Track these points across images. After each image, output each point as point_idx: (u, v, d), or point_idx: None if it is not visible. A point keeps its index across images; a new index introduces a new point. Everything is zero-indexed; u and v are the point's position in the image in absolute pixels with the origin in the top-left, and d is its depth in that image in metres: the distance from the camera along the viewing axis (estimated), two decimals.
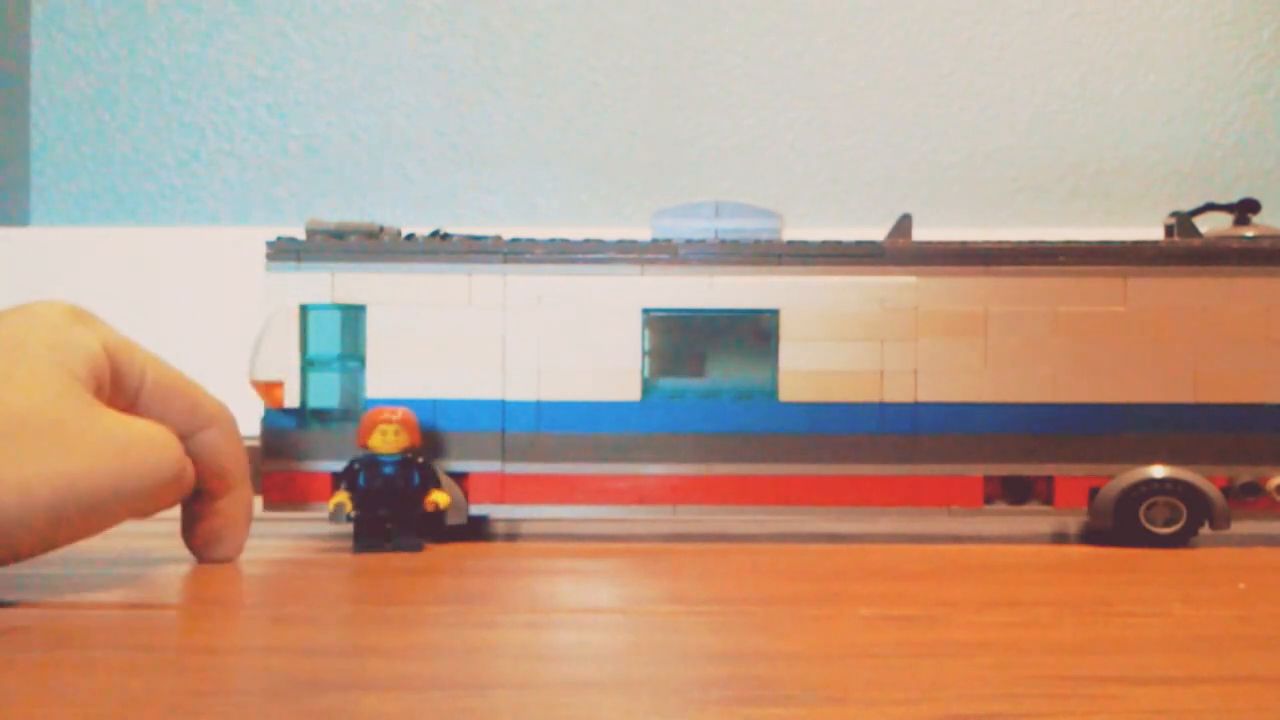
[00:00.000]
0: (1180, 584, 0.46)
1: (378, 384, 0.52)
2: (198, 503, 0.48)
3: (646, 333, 0.53)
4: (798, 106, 1.04)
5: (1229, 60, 1.03)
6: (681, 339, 0.53)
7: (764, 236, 0.53)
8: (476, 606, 0.42)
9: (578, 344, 0.52)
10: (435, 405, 0.52)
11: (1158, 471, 0.52)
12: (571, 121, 1.04)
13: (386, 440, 0.50)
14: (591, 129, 1.04)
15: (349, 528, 0.51)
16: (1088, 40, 1.03)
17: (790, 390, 0.52)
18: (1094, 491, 0.52)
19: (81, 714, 0.29)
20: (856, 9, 1.04)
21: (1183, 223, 0.54)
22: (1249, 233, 0.54)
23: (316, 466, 0.52)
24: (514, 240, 0.52)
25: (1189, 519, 0.52)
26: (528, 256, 0.52)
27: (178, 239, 0.99)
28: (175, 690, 0.32)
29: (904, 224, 0.53)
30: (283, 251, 0.52)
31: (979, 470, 0.52)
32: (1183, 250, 0.52)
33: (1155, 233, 0.55)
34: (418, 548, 0.50)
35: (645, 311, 0.52)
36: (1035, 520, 0.54)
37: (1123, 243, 0.52)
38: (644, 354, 0.52)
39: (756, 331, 0.53)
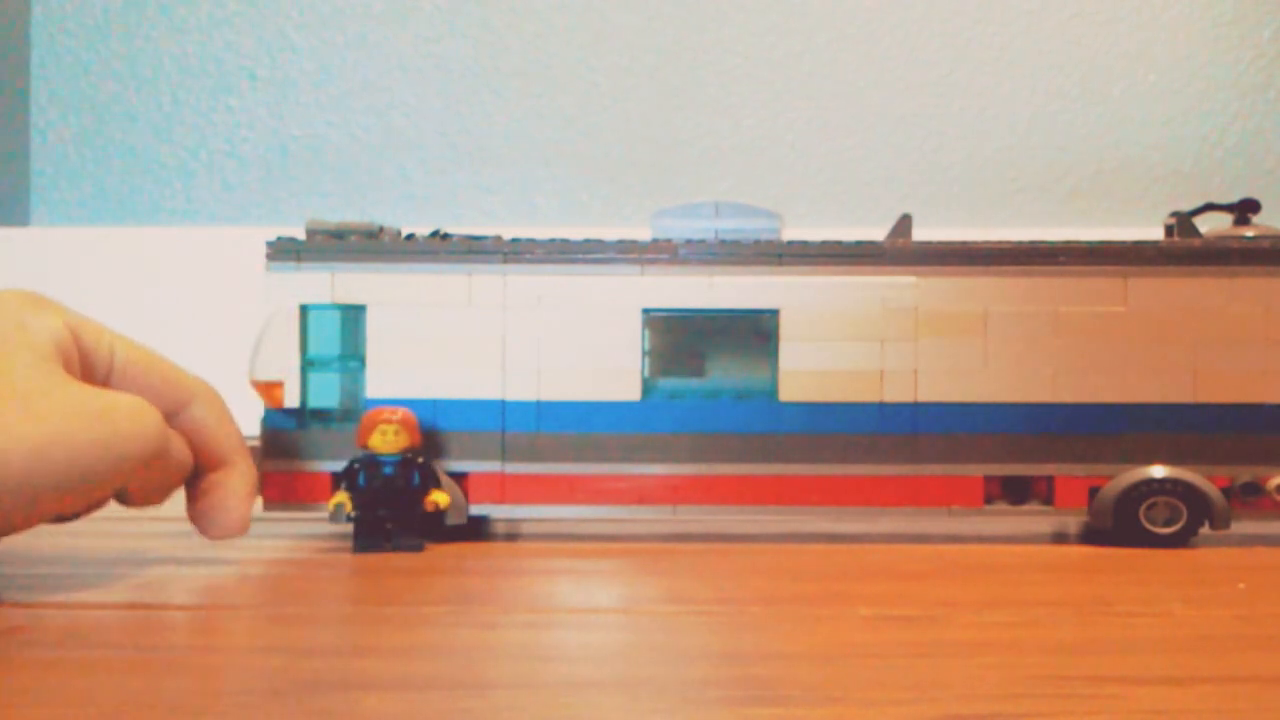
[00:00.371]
0: (1180, 584, 0.46)
1: (378, 384, 0.52)
2: (196, 481, 0.48)
3: (646, 333, 0.53)
4: (798, 106, 1.04)
5: (1229, 60, 1.04)
6: (681, 339, 0.53)
7: (764, 236, 0.53)
8: (476, 606, 0.42)
9: (578, 344, 0.52)
10: (435, 405, 0.52)
11: (1158, 471, 0.52)
12: (571, 121, 1.04)
13: (386, 440, 0.50)
14: (591, 129, 1.04)
15: (349, 528, 0.51)
16: (1088, 40, 1.03)
17: (790, 390, 0.52)
18: (1094, 491, 0.52)
19: (81, 714, 0.29)
20: (856, 9, 1.04)
21: (1183, 223, 0.54)
22: (1249, 233, 0.54)
23: (316, 466, 0.52)
24: (514, 240, 0.52)
25: (1189, 519, 0.52)
26: (528, 256, 0.52)
27: (178, 239, 0.99)
28: (175, 690, 0.32)
29: (904, 224, 0.53)
30: (283, 251, 0.52)
31: (979, 470, 0.52)
32: (1183, 250, 0.52)
33: (1155, 233, 0.55)
34: (418, 548, 0.50)
35: (645, 311, 0.52)
36: (1035, 520, 0.54)
37: (1123, 243, 0.52)
38: (644, 354, 0.52)
39: (756, 331, 0.53)
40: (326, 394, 0.52)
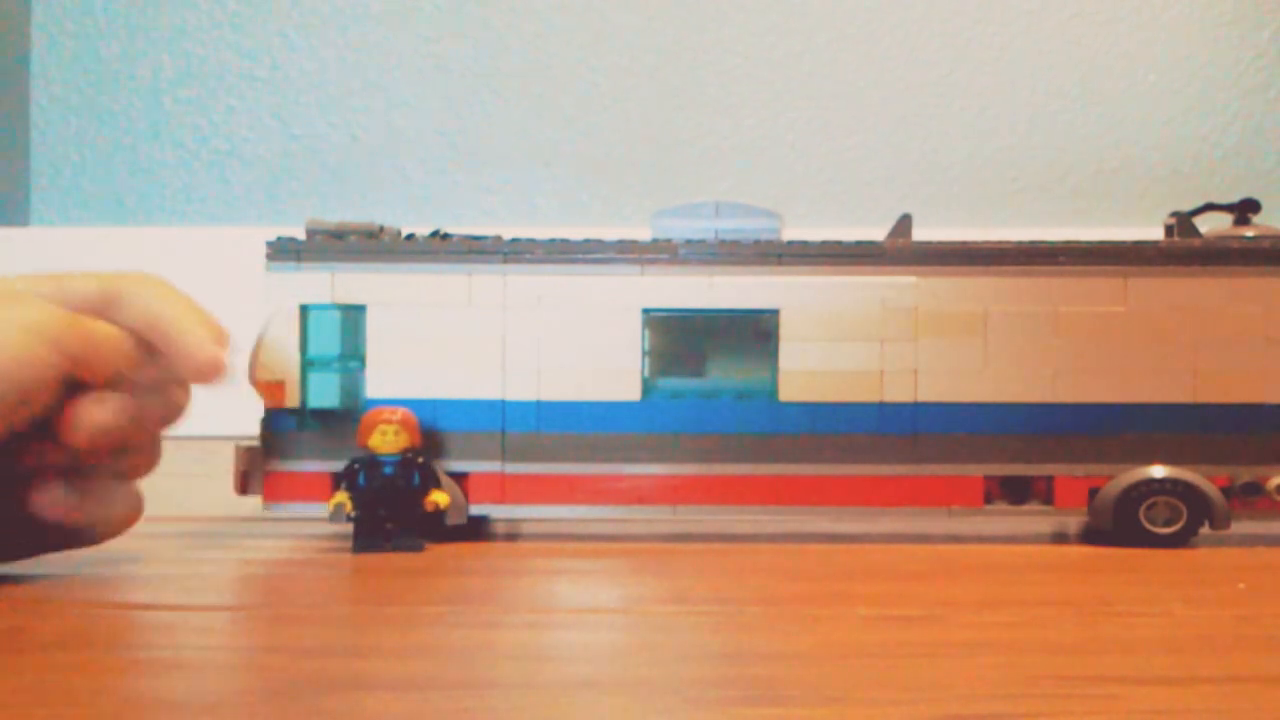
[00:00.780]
0: (1180, 584, 0.46)
1: (378, 384, 0.52)
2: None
3: (646, 333, 0.53)
4: (798, 106, 1.04)
5: (1229, 60, 1.04)
6: (681, 339, 0.53)
7: (764, 236, 0.53)
8: (476, 606, 0.42)
9: (578, 344, 0.52)
10: (435, 405, 0.52)
11: (1158, 471, 0.52)
12: (571, 121, 1.04)
13: (386, 440, 0.50)
14: (591, 129, 1.04)
15: (349, 528, 0.51)
16: (1088, 40, 1.03)
17: (790, 390, 0.52)
18: (1094, 491, 0.52)
19: (81, 714, 0.29)
20: (856, 9, 1.04)
21: (1183, 223, 0.54)
22: (1249, 233, 0.54)
23: (316, 466, 0.52)
24: (514, 240, 0.52)
25: (1189, 519, 0.52)
26: (528, 256, 0.52)
27: (178, 239, 0.99)
28: (175, 690, 0.32)
29: (904, 224, 0.53)
30: (283, 251, 0.52)
31: (979, 470, 0.52)
32: (1183, 250, 0.52)
33: (1155, 233, 0.55)
34: (418, 548, 0.50)
35: (645, 311, 0.52)
36: (1035, 520, 0.54)
37: (1123, 243, 0.52)
38: (644, 354, 0.52)
39: (756, 331, 0.53)
40: (326, 394, 0.52)
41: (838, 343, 0.52)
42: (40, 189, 1.05)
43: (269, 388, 0.52)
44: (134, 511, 0.46)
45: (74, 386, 0.43)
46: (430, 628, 0.39)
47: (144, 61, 1.04)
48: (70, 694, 0.31)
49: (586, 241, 0.52)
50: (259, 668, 0.35)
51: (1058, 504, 0.52)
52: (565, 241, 0.52)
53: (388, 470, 0.50)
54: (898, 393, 0.52)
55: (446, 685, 0.32)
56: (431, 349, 0.52)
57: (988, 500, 0.53)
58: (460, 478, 0.52)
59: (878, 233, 0.54)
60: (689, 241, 0.52)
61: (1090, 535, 0.54)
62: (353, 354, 0.52)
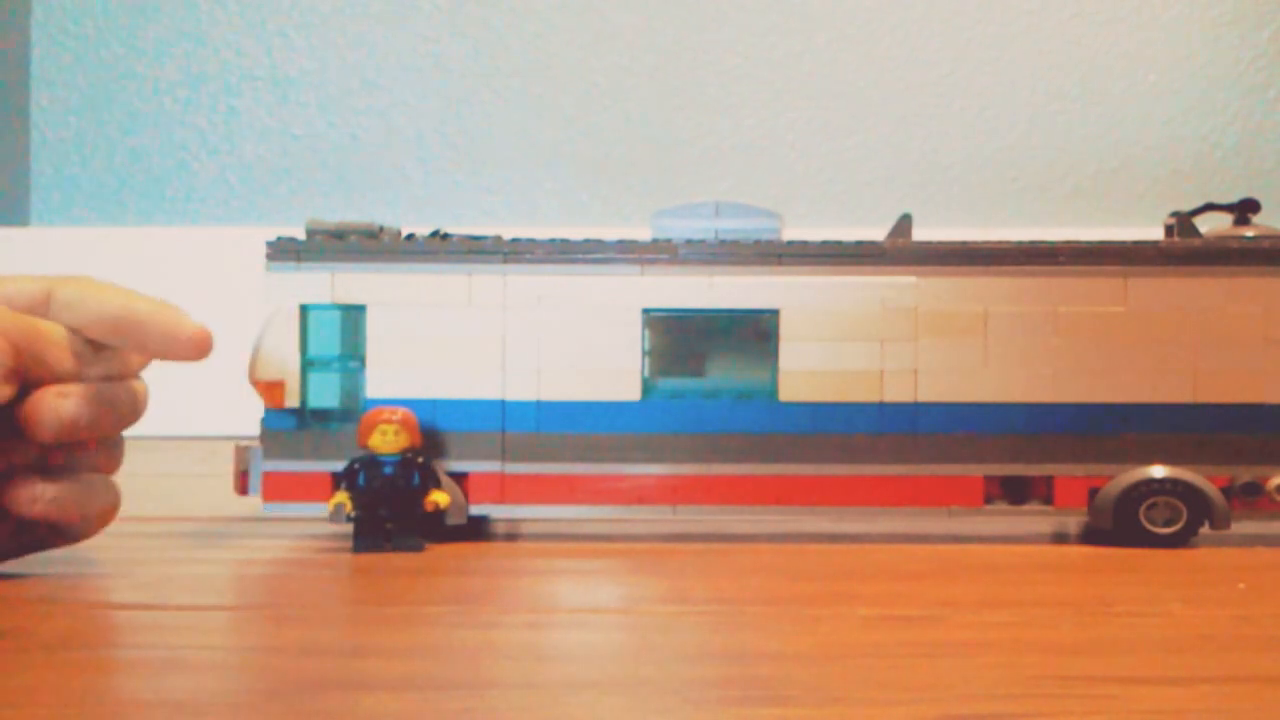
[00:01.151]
0: (1180, 584, 0.46)
1: (378, 384, 0.52)
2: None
3: (646, 333, 0.53)
4: (798, 106, 1.04)
5: (1229, 60, 1.04)
6: (681, 339, 0.53)
7: (764, 236, 0.53)
8: (476, 606, 0.42)
9: (578, 344, 0.52)
10: (435, 405, 0.52)
11: (1158, 471, 0.52)
12: (571, 121, 1.04)
13: (386, 440, 0.50)
14: (591, 129, 1.04)
15: (349, 528, 0.51)
16: (1088, 40, 1.03)
17: (790, 390, 0.52)
18: (1094, 491, 0.52)
19: (81, 714, 0.29)
20: (856, 9, 1.04)
21: (1183, 223, 0.54)
22: (1249, 233, 0.54)
23: (316, 466, 0.52)
24: (514, 240, 0.52)
25: (1189, 519, 0.52)
26: (528, 256, 0.52)
27: (178, 239, 0.99)
28: (175, 690, 0.32)
29: (904, 224, 0.53)
30: (283, 251, 0.52)
31: (979, 470, 0.52)
32: (1183, 250, 0.52)
33: (1155, 233, 0.55)
34: (418, 548, 0.50)
35: (645, 311, 0.52)
36: (1035, 520, 0.54)
37: (1123, 243, 0.52)
38: (644, 354, 0.52)
39: (756, 331, 0.53)
40: (326, 394, 0.52)
41: (838, 343, 0.52)
42: (40, 189, 1.05)
43: (269, 388, 0.52)
44: (112, 505, 0.46)
45: (31, 385, 0.44)
46: (430, 628, 0.39)
47: (144, 61, 1.04)
48: (70, 694, 0.31)
49: (586, 241, 0.52)
50: (259, 668, 0.35)
51: (1058, 504, 0.52)
52: (565, 241, 0.52)
53: (388, 470, 0.50)
54: (898, 393, 0.52)
55: (446, 685, 0.32)
56: (431, 349, 0.52)
57: (988, 500, 0.53)
58: (460, 478, 0.52)
59: (878, 233, 0.54)
60: (689, 241, 0.52)
61: (1090, 535, 0.54)
62: (353, 354, 0.52)
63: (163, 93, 1.05)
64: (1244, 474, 0.52)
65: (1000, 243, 0.53)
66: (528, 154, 1.04)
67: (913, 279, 0.52)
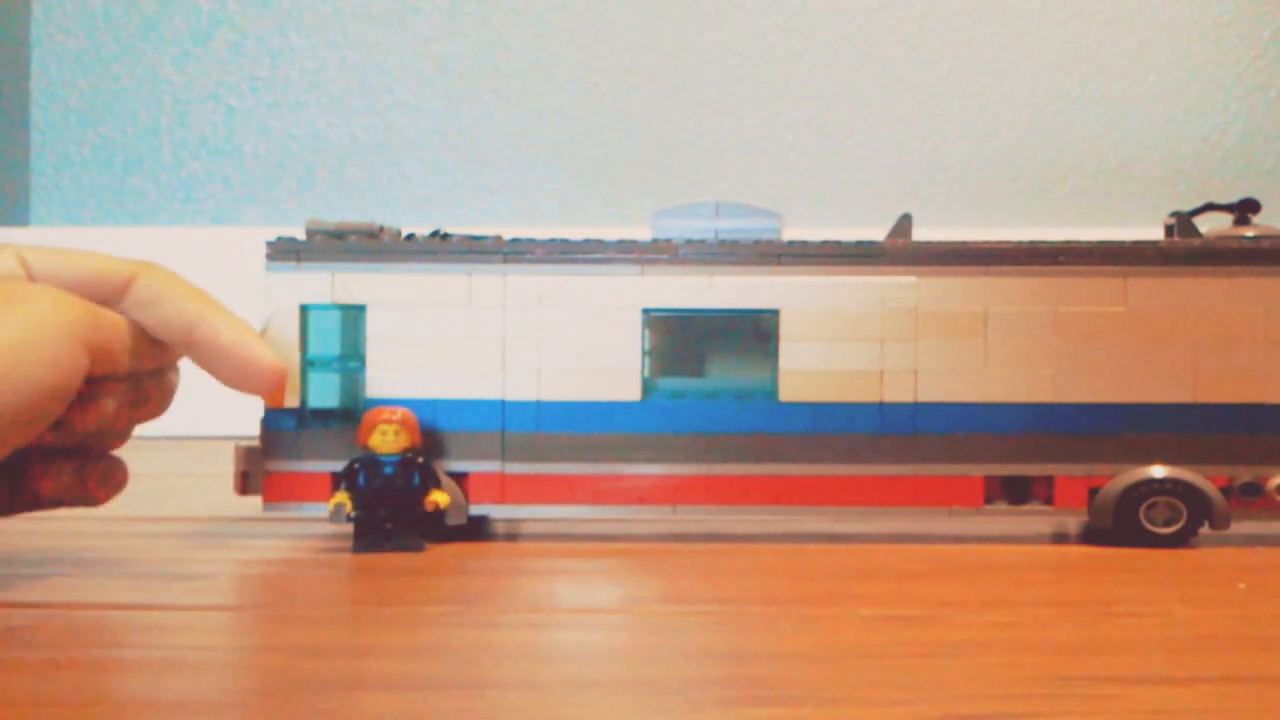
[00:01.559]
0: (1180, 584, 0.46)
1: (378, 384, 0.52)
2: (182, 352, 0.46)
3: (646, 333, 0.53)
4: (798, 106, 1.04)
5: (1229, 60, 1.03)
6: (681, 339, 0.53)
7: (764, 236, 0.53)
8: (476, 606, 0.42)
9: (578, 344, 0.52)
10: (435, 405, 0.52)
11: (1158, 471, 0.52)
12: (571, 121, 1.04)
13: (386, 440, 0.50)
14: (591, 129, 1.04)
15: (349, 528, 0.51)
16: (1088, 40, 1.03)
17: (790, 390, 0.52)
18: (1094, 491, 0.52)
19: (81, 714, 0.29)
20: (856, 9, 1.04)
21: (1183, 223, 0.54)
22: (1249, 233, 0.54)
23: (316, 466, 0.52)
24: (514, 240, 0.52)
25: (1189, 519, 0.52)
26: (528, 256, 0.52)
27: (178, 239, 0.99)
28: (175, 690, 0.32)
29: (904, 224, 0.53)
30: (283, 251, 0.52)
31: (979, 470, 0.52)
32: (1183, 250, 0.52)
33: (1155, 233, 0.55)
34: (418, 548, 0.50)
35: (645, 311, 0.52)
36: (1035, 520, 0.54)
37: (1123, 243, 0.52)
38: (644, 354, 0.52)
39: (756, 331, 0.53)
40: (326, 394, 0.52)
41: (838, 343, 0.52)
42: (40, 189, 1.05)
43: None
44: (125, 477, 0.47)
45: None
46: (430, 628, 0.39)
47: (144, 61, 1.04)
48: (70, 694, 0.31)
49: (586, 241, 0.52)
50: (259, 668, 0.35)
51: (1058, 504, 0.52)
52: (565, 241, 0.52)
53: (388, 470, 0.50)
54: (898, 393, 0.52)
55: (446, 685, 0.32)
56: (431, 349, 0.52)
57: (988, 500, 0.53)
58: (460, 478, 0.52)
59: (878, 233, 0.54)
60: (689, 241, 0.52)
61: (1090, 535, 0.54)
62: (353, 354, 0.52)
63: (163, 93, 1.05)
64: (1244, 474, 0.52)
65: (1000, 243, 0.53)
66: (528, 154, 1.04)
67: (913, 279, 0.52)
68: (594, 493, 0.52)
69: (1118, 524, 0.52)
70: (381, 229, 0.53)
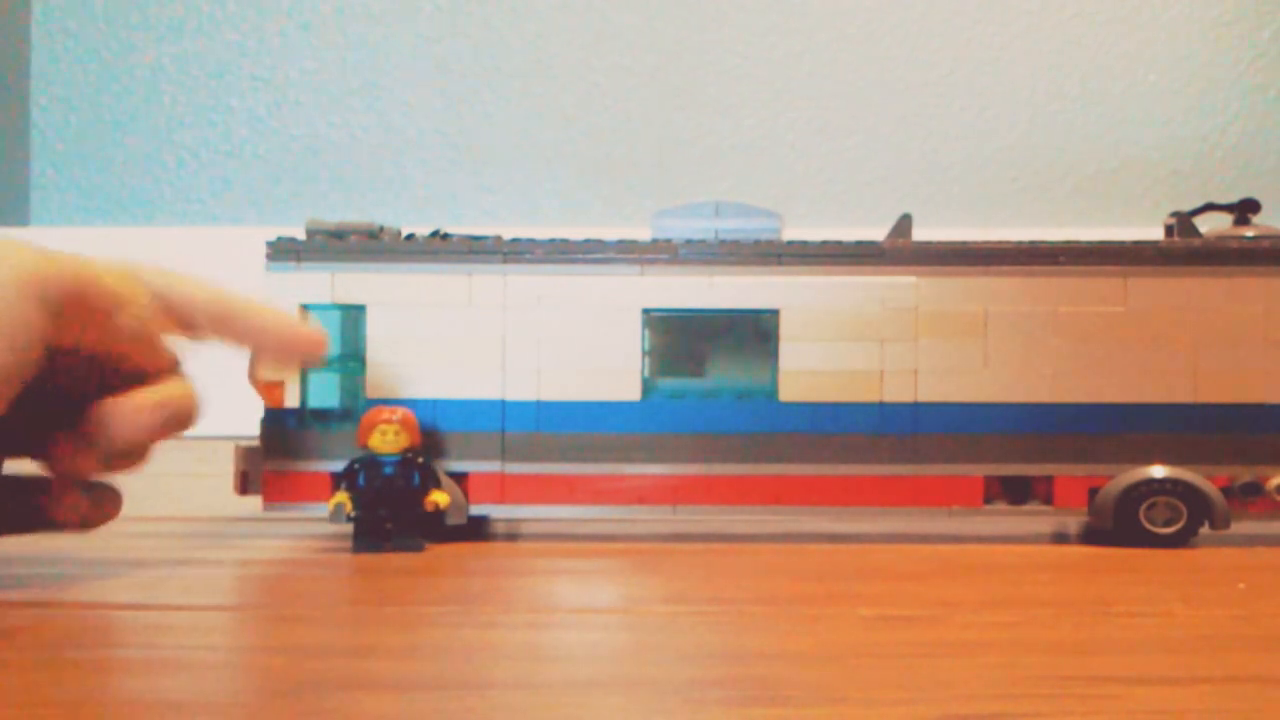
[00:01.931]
0: (1180, 584, 0.46)
1: (378, 384, 0.52)
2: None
3: (646, 333, 0.53)
4: (798, 106, 1.04)
5: (1229, 60, 1.04)
6: (681, 339, 0.53)
7: (764, 236, 0.53)
8: (476, 606, 0.42)
9: (578, 344, 0.52)
10: (435, 405, 0.52)
11: (1158, 471, 0.52)
12: (571, 121, 1.04)
13: (386, 440, 0.50)
14: (591, 129, 1.04)
15: (349, 528, 0.51)
16: (1088, 40, 1.03)
17: (790, 390, 0.52)
18: (1094, 491, 0.52)
19: (81, 714, 0.29)
20: (856, 9, 1.04)
21: (1183, 223, 0.54)
22: (1249, 233, 0.54)
23: (316, 466, 0.52)
24: (514, 240, 0.52)
25: (1189, 519, 0.52)
26: (528, 256, 0.52)
27: (178, 239, 0.99)
28: (175, 690, 0.32)
29: (904, 224, 0.53)
30: (283, 251, 0.52)
31: (979, 470, 0.52)
32: (1183, 250, 0.52)
33: (1155, 233, 0.55)
34: (418, 548, 0.50)
35: (645, 311, 0.52)
36: (1035, 520, 0.53)
37: (1123, 243, 0.52)
38: (644, 354, 0.52)
39: (756, 331, 0.53)
40: (326, 394, 0.52)
41: (838, 343, 0.52)
42: (40, 189, 1.05)
43: (269, 388, 0.52)
44: (118, 506, 0.46)
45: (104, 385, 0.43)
46: (430, 628, 0.39)
47: (144, 61, 1.04)
48: (70, 694, 0.31)
49: (586, 241, 0.52)
50: (259, 668, 0.35)
51: (1058, 504, 0.52)
52: (565, 241, 0.52)
53: (388, 470, 0.50)
54: (898, 393, 0.52)
55: (446, 685, 0.32)
56: (431, 349, 0.52)
57: (988, 500, 0.53)
58: (460, 478, 0.52)
59: (878, 233, 0.54)
60: (689, 241, 0.52)
61: (1090, 535, 0.54)
62: (353, 354, 0.52)
63: (163, 93, 1.05)
64: (1244, 474, 0.52)
65: (1000, 243, 0.53)
66: (528, 154, 1.04)
67: (913, 279, 0.52)
68: (594, 493, 0.52)
69: (1118, 524, 0.52)
70: (381, 229, 0.53)
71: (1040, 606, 0.42)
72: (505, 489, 0.52)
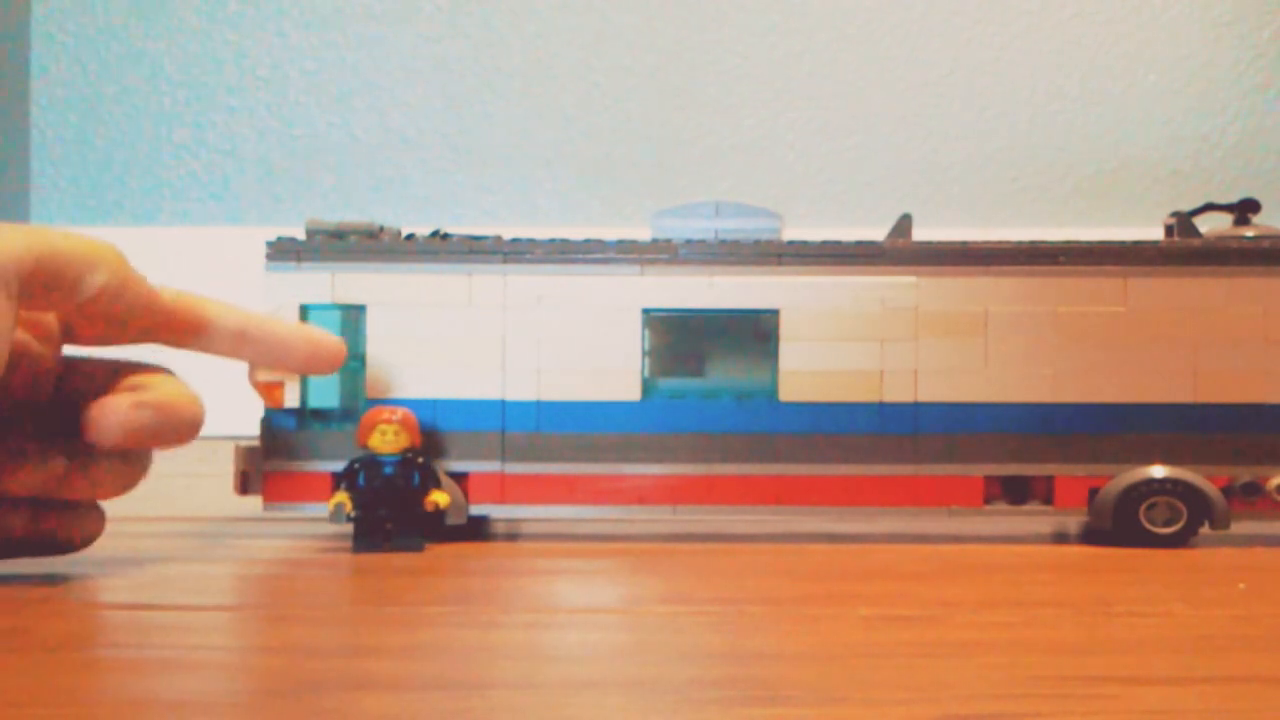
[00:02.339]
0: (1180, 584, 0.46)
1: (378, 384, 0.52)
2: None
3: (646, 333, 0.53)
4: (798, 106, 1.04)
5: (1229, 60, 1.04)
6: (681, 339, 0.53)
7: (764, 236, 0.53)
8: (476, 606, 0.42)
9: (578, 344, 0.52)
10: (435, 405, 0.52)
11: (1158, 471, 0.52)
12: (571, 121, 1.04)
13: (386, 440, 0.50)
14: (591, 129, 1.04)
15: (349, 528, 0.51)
16: (1088, 40, 1.03)
17: (790, 390, 0.52)
18: (1094, 491, 0.52)
19: (82, 714, 0.29)
20: (856, 9, 1.04)
21: (1183, 223, 0.54)
22: (1249, 233, 0.54)
23: (316, 466, 0.52)
24: (514, 240, 0.52)
25: (1189, 519, 0.52)
26: (528, 256, 0.52)
27: (178, 239, 0.99)
28: (175, 690, 0.32)
29: (904, 224, 0.53)
30: (283, 251, 0.52)
31: (979, 470, 0.52)
32: (1183, 250, 0.52)
33: (1155, 233, 0.55)
34: (418, 548, 0.50)
35: (645, 311, 0.52)
36: (1035, 520, 0.54)
37: (1123, 243, 0.52)
38: (644, 354, 0.52)
39: (756, 331, 0.53)
40: (326, 394, 0.52)
41: (838, 343, 0.52)
42: (40, 189, 1.05)
43: (269, 388, 0.52)
44: (101, 528, 0.46)
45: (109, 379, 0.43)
46: (430, 628, 0.39)
47: (144, 61, 1.04)
48: (70, 694, 0.31)
49: (586, 241, 0.52)
50: (259, 668, 0.35)
51: (1058, 504, 0.52)
52: (565, 241, 0.52)
53: (388, 470, 0.50)
54: (898, 393, 0.52)
55: (446, 685, 0.32)
56: (431, 349, 0.52)
57: (988, 500, 0.53)
58: (460, 478, 0.52)
59: (878, 233, 0.54)
60: (689, 241, 0.52)
61: (1090, 535, 0.54)
62: (353, 354, 0.52)
63: (163, 92, 1.05)
64: (1244, 474, 0.52)
65: (1000, 243, 0.53)
66: (528, 154, 1.04)
67: (913, 279, 0.52)
68: (594, 493, 0.52)
69: (1118, 524, 0.52)
70: (381, 229, 0.53)
71: (1040, 606, 0.42)
72: (505, 489, 0.52)
